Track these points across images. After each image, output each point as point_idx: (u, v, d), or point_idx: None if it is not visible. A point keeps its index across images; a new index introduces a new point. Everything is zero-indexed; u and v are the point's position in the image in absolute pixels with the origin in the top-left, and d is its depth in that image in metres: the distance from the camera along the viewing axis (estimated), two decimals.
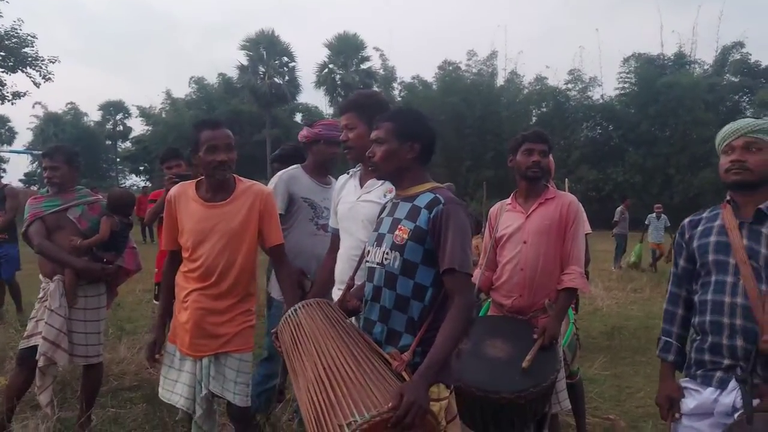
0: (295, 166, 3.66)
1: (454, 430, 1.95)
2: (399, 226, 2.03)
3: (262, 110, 39.00)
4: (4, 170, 52.05)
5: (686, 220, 2.31)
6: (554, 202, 2.99)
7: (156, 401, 4.09)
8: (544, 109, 34.11)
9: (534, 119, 34.05)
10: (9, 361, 4.79)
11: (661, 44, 42.11)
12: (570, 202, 2.99)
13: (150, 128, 42.81)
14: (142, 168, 45.93)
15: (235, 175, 2.78)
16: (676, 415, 2.17)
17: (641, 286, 10.77)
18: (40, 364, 3.44)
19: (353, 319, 2.27)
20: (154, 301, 5.27)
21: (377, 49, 42.63)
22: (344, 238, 2.67)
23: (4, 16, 32.57)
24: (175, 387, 2.74)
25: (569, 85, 33.76)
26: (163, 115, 41.99)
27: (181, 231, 2.73)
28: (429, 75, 39.62)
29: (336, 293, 2.64)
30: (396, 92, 36.30)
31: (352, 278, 2.33)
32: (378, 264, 2.07)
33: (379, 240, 2.10)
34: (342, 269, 2.63)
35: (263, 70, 40.48)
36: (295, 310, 2.19)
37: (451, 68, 35.70)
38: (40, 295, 3.58)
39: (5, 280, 7.27)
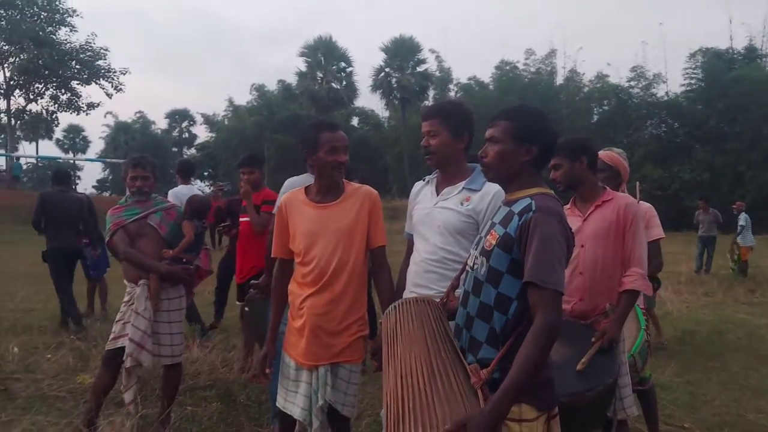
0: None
1: None
2: (491, 231, 1.92)
3: (321, 115, 39.54)
4: (79, 177, 54.71)
5: None
6: (611, 204, 2.94)
7: (230, 400, 4.28)
8: (606, 108, 33.26)
9: (595, 117, 33.28)
10: (93, 359, 5.07)
11: (730, 38, 40.28)
12: (627, 204, 2.93)
13: (214, 135, 44.12)
14: (206, 174, 47.42)
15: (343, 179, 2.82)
16: None
17: (713, 289, 10.38)
18: (127, 364, 3.62)
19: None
20: (237, 302, 5.46)
21: (433, 51, 42.67)
22: (418, 242, 2.70)
23: (79, 31, 34.41)
24: (295, 398, 2.72)
25: (632, 83, 32.77)
26: (226, 122, 43.20)
27: (293, 236, 2.74)
28: (486, 75, 39.31)
29: (407, 297, 2.68)
30: (452, 93, 36.17)
31: (457, 278, 2.24)
32: (470, 268, 1.99)
33: (477, 243, 2.02)
34: (415, 272, 2.67)
35: (321, 75, 41.12)
36: (395, 307, 2.13)
37: (508, 68, 35.31)
38: (126, 299, 3.76)
39: (95, 280, 7.75)
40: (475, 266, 1.94)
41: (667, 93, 33.16)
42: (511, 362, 1.72)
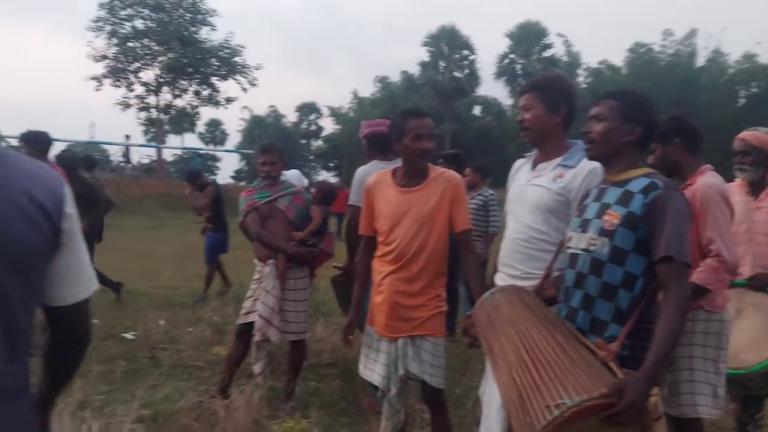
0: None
1: (660, 429, 1.84)
2: (608, 211, 1.95)
3: (443, 105, 39.54)
4: (218, 168, 58.83)
5: None
6: (690, 189, 2.72)
7: (350, 378, 4.43)
8: (755, 90, 30.30)
9: (741, 101, 30.47)
10: (227, 334, 5.45)
11: None
12: (696, 189, 2.68)
13: (340, 127, 45.51)
14: (332, 164, 49.12)
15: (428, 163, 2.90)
16: None
17: None
18: (256, 338, 3.88)
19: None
20: None
21: (561, 36, 41.09)
22: (510, 221, 2.66)
23: (218, 30, 36.97)
24: (374, 366, 2.90)
25: None
26: (351, 115, 44.36)
27: (378, 216, 2.89)
28: (618, 59, 37.21)
29: (499, 278, 2.65)
30: (581, 79, 34.64)
31: (550, 267, 2.28)
32: (582, 250, 2.01)
33: (584, 225, 2.03)
34: (505, 252, 2.63)
35: (444, 64, 41.08)
36: (492, 293, 2.18)
37: (643, 50, 33.22)
38: (256, 277, 4.02)
39: (207, 262, 8.09)
40: (593, 247, 1.97)
41: None
42: (639, 338, 1.82)
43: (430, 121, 2.82)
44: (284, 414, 3.76)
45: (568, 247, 2.10)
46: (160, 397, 3.92)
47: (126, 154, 34.32)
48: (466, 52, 41.35)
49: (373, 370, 2.91)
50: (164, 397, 3.95)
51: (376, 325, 2.91)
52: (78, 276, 1.25)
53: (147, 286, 8.22)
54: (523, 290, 2.17)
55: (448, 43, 40.84)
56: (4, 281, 1.09)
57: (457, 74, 40.83)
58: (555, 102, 2.51)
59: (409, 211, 2.77)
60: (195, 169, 9.44)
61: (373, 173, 3.12)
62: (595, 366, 1.73)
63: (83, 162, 7.75)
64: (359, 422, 3.76)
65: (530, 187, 2.56)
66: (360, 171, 3.78)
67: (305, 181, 5.78)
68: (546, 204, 2.47)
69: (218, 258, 8.13)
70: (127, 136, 35.28)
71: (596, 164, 2.35)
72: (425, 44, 41.52)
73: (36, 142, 5.21)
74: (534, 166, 2.62)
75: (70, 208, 1.20)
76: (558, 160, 2.52)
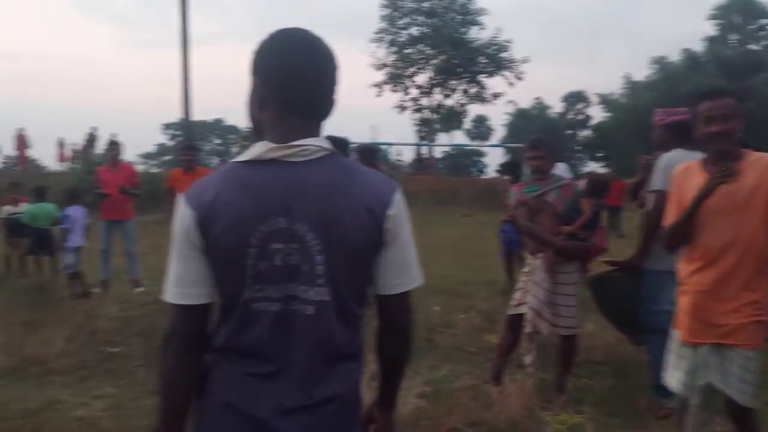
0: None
1: None
2: None
3: (732, 82, 34.82)
4: (483, 162, 60.35)
5: None
6: None
7: (624, 377, 4.27)
8: None
9: None
10: (497, 323, 5.64)
11: None
12: None
13: (609, 115, 43.10)
14: (599, 155, 46.71)
15: (743, 149, 2.64)
16: None
17: None
18: (527, 329, 3.98)
19: None
20: None
21: None
22: None
23: (486, 28, 37.91)
24: (675, 372, 2.74)
25: None
26: (623, 101, 41.65)
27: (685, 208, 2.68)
28: None
29: None
30: None
31: None
32: None
33: None
34: None
35: (735, 38, 36.18)
36: None
37: None
38: (526, 269, 4.12)
39: (505, 252, 8.24)
40: None
41: None
42: None
43: (727, 101, 2.56)
44: (556, 407, 3.78)
45: None
46: (439, 377, 4.26)
47: (418, 153, 38.17)
48: (764, 20, 35.81)
49: (673, 376, 2.75)
50: (442, 376, 4.27)
51: (680, 328, 2.72)
52: (402, 270, 1.47)
53: (424, 274, 8.85)
54: None
55: (742, 13, 35.80)
56: (341, 272, 1.34)
57: (753, 47, 35.58)
58: None
59: (716, 202, 2.53)
60: (513, 162, 9.58)
61: (679, 161, 2.96)
62: None
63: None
64: (635, 424, 3.62)
65: None
66: (665, 157, 3.57)
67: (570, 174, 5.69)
68: None
69: (513, 250, 8.19)
70: (422, 137, 39.62)
71: None
72: (712, 17, 37.03)
73: (337, 147, 5.96)
74: None
75: (395, 210, 1.40)
76: None
